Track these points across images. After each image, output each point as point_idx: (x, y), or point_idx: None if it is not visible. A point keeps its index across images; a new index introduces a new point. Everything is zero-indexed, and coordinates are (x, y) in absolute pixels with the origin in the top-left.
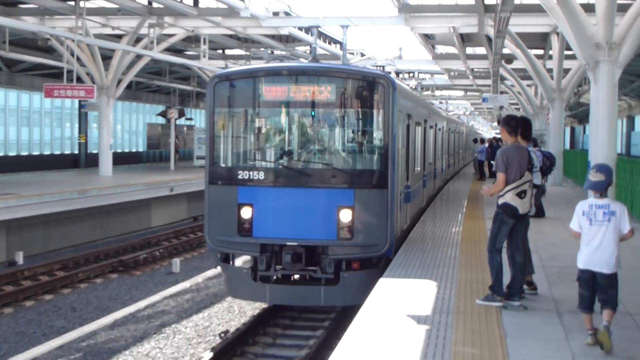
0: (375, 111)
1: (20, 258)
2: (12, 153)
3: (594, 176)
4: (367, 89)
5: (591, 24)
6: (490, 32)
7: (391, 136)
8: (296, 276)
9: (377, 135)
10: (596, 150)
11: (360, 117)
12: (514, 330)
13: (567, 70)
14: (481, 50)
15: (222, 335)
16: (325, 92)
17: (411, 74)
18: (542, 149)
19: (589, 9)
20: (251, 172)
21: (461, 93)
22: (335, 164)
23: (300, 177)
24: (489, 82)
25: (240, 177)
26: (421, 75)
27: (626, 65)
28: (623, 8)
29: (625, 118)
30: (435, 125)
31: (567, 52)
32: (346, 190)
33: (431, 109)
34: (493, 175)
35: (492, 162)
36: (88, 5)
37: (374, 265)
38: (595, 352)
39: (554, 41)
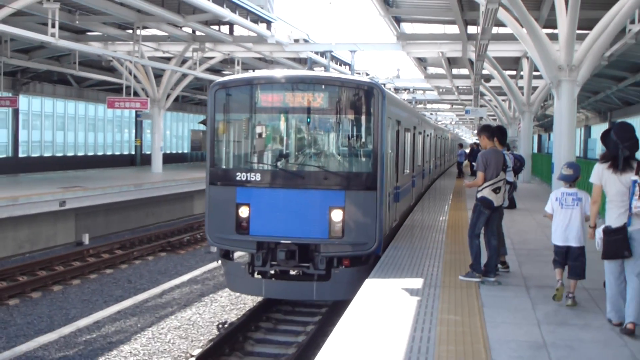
0: (365, 117)
1: (86, 239)
2: (80, 153)
3: (565, 170)
4: (358, 96)
5: (555, 49)
6: (472, 56)
7: (380, 141)
8: (291, 272)
9: (367, 140)
10: (559, 154)
11: (351, 122)
12: (490, 301)
13: (535, 88)
14: (464, 71)
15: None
16: (318, 99)
17: (407, 90)
18: (513, 152)
19: (553, 37)
20: (248, 174)
21: (448, 106)
22: (327, 167)
23: (294, 179)
24: (471, 97)
25: (238, 178)
26: (416, 91)
27: (584, 84)
28: (581, 37)
29: (583, 127)
30: (424, 131)
31: (535, 73)
32: (337, 191)
33: (420, 117)
34: (474, 173)
35: (474, 163)
36: (143, 33)
37: (364, 262)
38: (556, 319)
39: (524, 64)
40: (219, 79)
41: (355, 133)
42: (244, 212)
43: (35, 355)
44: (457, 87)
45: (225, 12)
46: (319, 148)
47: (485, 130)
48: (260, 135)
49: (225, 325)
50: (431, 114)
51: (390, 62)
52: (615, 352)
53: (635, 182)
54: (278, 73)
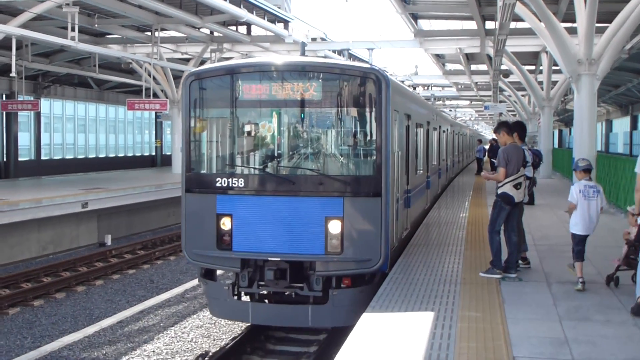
0: (366, 110)
1: (108, 240)
2: (101, 155)
3: (582, 162)
4: (358, 85)
5: (574, 43)
6: (490, 51)
7: (385, 138)
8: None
9: (369, 137)
10: (580, 149)
11: (350, 116)
12: (510, 297)
13: (554, 82)
14: (483, 67)
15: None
16: (310, 89)
17: (425, 87)
18: (532, 147)
19: (572, 31)
20: (230, 179)
21: (467, 102)
22: (323, 170)
23: (283, 185)
24: (490, 93)
25: (218, 184)
26: (434, 88)
27: (604, 78)
28: (601, 30)
29: (604, 122)
30: (440, 127)
31: (554, 68)
32: (334, 199)
33: (435, 112)
34: (494, 169)
35: (494, 160)
36: (161, 34)
37: (368, 282)
38: (578, 314)
39: (544, 58)
40: (194, 69)
41: (354, 129)
42: (225, 224)
43: (61, 355)
44: (476, 83)
45: (242, 13)
46: (312, 148)
47: (504, 125)
48: (241, 133)
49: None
50: (450, 110)
51: (408, 59)
52: (637, 347)
53: None
54: (263, 59)
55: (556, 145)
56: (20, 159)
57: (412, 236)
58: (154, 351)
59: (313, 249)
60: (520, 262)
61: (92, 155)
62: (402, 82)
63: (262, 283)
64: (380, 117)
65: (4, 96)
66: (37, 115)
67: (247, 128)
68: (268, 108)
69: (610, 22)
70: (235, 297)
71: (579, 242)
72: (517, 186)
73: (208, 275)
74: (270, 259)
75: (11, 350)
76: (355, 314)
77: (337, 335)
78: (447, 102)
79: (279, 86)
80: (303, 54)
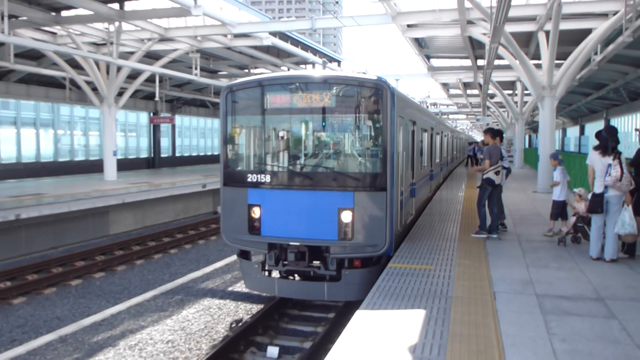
0: (374, 116)
1: (219, 210)
2: (216, 153)
3: (552, 154)
4: (366, 94)
5: (540, 74)
6: (481, 80)
7: (390, 140)
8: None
9: (376, 139)
10: (544, 149)
11: (359, 122)
12: (492, 251)
13: (525, 102)
14: (475, 92)
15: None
16: (325, 99)
17: (435, 106)
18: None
19: (538, 66)
20: (258, 175)
21: (464, 116)
22: (336, 168)
23: (303, 180)
24: (480, 109)
25: (249, 179)
26: (441, 106)
27: (561, 98)
28: (558, 65)
29: (560, 130)
30: (442, 132)
31: (526, 92)
32: (346, 192)
33: (438, 120)
34: (477, 163)
35: (480, 156)
36: (255, 71)
37: (375, 263)
38: (540, 263)
39: (518, 85)
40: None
41: (363, 132)
42: (255, 212)
43: (187, 285)
44: (470, 102)
45: (309, 56)
46: (327, 149)
47: (490, 131)
48: (269, 136)
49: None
50: (452, 121)
51: (423, 86)
52: (581, 286)
53: (609, 164)
54: (285, 73)
55: (527, 146)
56: (161, 155)
57: (418, 218)
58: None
59: (328, 235)
60: (500, 226)
61: (209, 153)
62: (421, 102)
63: (286, 263)
64: (386, 122)
65: (151, 114)
66: (173, 127)
67: (272, 132)
68: (287, 115)
69: (565, 59)
70: (266, 273)
71: (559, 206)
72: (497, 173)
73: (244, 254)
74: (291, 243)
75: (156, 282)
76: (365, 290)
77: (347, 310)
78: (450, 116)
79: (297, 96)
80: (325, 68)
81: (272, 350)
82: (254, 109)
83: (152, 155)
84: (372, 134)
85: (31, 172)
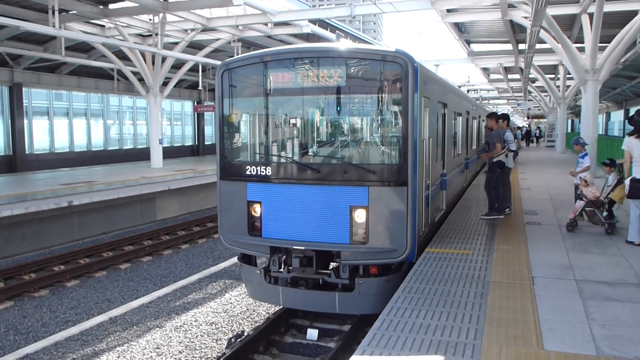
0: (392, 96)
1: None
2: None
3: (582, 140)
4: (383, 69)
5: (582, 58)
6: (522, 65)
7: (412, 125)
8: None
9: (395, 124)
10: (586, 133)
11: (376, 103)
12: (532, 236)
13: (568, 86)
14: (516, 76)
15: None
16: (335, 76)
17: (475, 91)
18: (515, 131)
19: (581, 49)
20: (258, 168)
21: (505, 101)
22: (347, 158)
23: (308, 174)
24: (521, 94)
25: (248, 172)
26: (481, 92)
27: (604, 82)
28: (602, 48)
29: (604, 114)
30: (479, 116)
31: (568, 75)
32: (359, 187)
33: (475, 104)
34: (488, 150)
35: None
36: None
37: (395, 271)
38: (580, 248)
39: (560, 69)
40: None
41: (379, 116)
42: (256, 211)
43: (230, 269)
44: (512, 87)
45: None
46: (337, 136)
47: (494, 115)
48: (268, 122)
49: None
50: (492, 106)
51: (462, 71)
52: (623, 271)
53: None
54: (288, 47)
55: (569, 131)
56: (205, 143)
57: (450, 211)
58: None
59: (338, 238)
60: (507, 209)
61: None
62: (460, 87)
63: (292, 269)
64: (407, 104)
65: (195, 102)
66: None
67: (269, 116)
68: (290, 96)
69: (609, 42)
70: (270, 281)
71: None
72: (507, 155)
73: (246, 258)
74: (295, 247)
75: (200, 266)
76: (383, 302)
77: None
78: (491, 101)
79: (303, 73)
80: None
81: (312, 333)
82: (253, 89)
83: (197, 143)
84: (391, 117)
85: (83, 161)
